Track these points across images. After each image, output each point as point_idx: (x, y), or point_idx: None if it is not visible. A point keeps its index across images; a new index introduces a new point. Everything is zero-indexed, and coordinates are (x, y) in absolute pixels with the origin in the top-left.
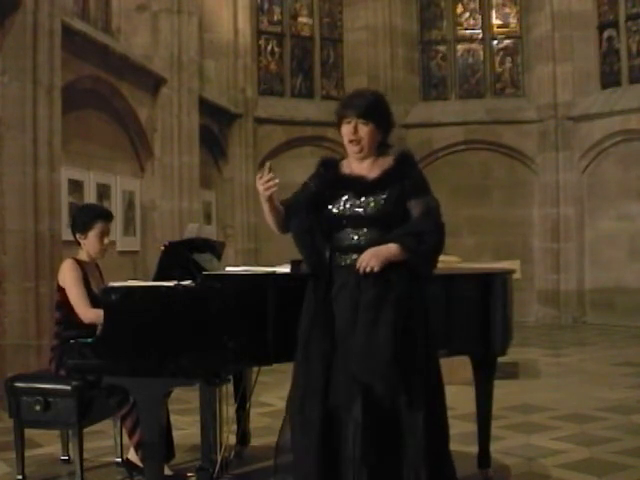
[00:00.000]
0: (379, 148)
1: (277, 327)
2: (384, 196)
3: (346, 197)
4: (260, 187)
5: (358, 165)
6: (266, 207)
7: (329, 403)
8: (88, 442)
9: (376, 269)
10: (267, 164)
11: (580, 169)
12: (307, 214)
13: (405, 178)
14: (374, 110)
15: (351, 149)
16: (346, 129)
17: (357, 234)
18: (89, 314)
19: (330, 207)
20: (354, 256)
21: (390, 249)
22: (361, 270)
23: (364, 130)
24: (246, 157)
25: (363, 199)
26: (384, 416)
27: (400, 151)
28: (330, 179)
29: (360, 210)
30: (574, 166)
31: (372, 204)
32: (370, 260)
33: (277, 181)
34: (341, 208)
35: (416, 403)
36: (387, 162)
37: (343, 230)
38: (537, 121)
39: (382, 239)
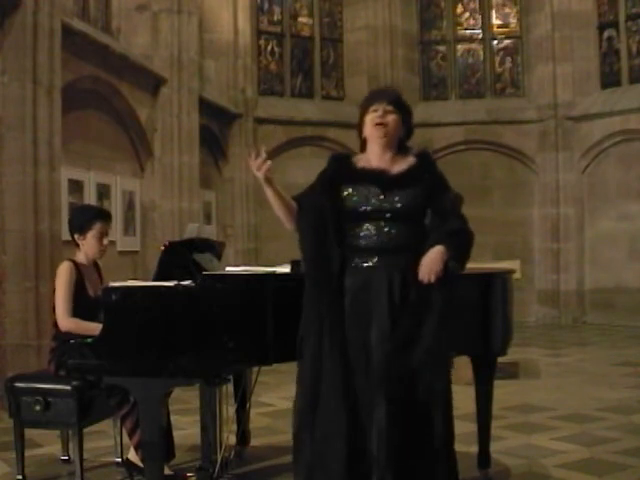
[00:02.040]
0: (399, 146)
1: (277, 327)
2: (412, 191)
3: (369, 191)
4: (253, 169)
5: (379, 159)
6: (269, 193)
7: (351, 404)
8: (88, 442)
9: (440, 275)
10: (263, 148)
11: (580, 169)
12: (321, 208)
13: (429, 175)
14: (402, 104)
15: (376, 133)
16: (372, 115)
17: (379, 231)
18: (65, 322)
19: (350, 201)
20: (375, 259)
21: (441, 252)
22: (426, 281)
23: (391, 117)
24: (246, 157)
25: (389, 193)
26: (408, 420)
27: (420, 149)
28: (347, 172)
29: (387, 205)
30: (574, 166)
31: (399, 199)
32: (432, 269)
33: (269, 162)
34: (364, 202)
35: (438, 404)
36: (409, 159)
37: (363, 225)
38: (537, 121)
39: (412, 241)
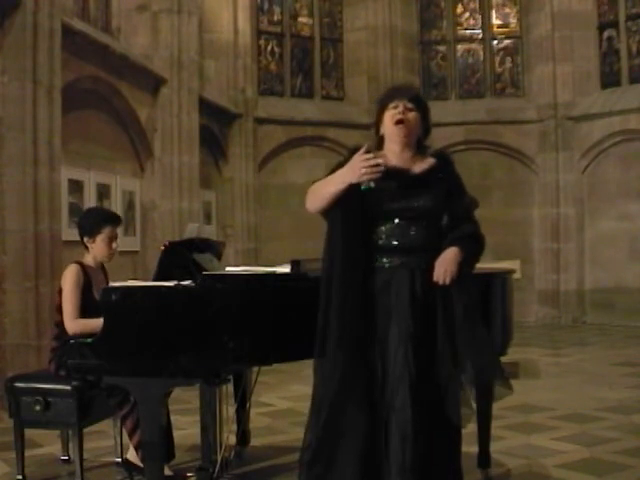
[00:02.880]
0: (417, 146)
1: (277, 327)
2: (432, 192)
3: (392, 190)
4: (362, 169)
5: (397, 158)
6: (335, 190)
7: (370, 406)
8: (88, 442)
9: (455, 276)
10: (366, 145)
11: (580, 169)
12: (347, 205)
13: (448, 177)
14: (421, 101)
15: (397, 132)
16: (393, 112)
17: (399, 230)
18: (73, 325)
19: (370, 199)
20: (396, 258)
21: (456, 253)
22: (441, 282)
23: (412, 114)
24: (246, 157)
25: (409, 193)
26: (433, 426)
27: (438, 151)
28: None
29: (407, 205)
30: (574, 166)
31: (420, 199)
32: (446, 270)
33: (382, 168)
34: (384, 201)
35: (455, 410)
36: (428, 160)
37: (382, 224)
38: (537, 121)
39: (431, 241)
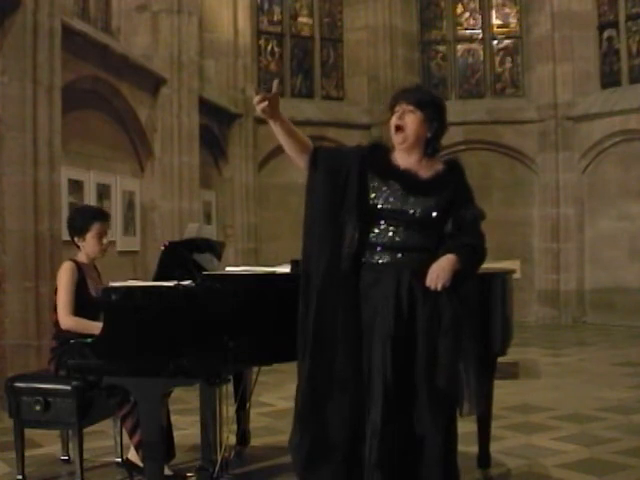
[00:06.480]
0: (427, 147)
1: (277, 327)
2: (435, 200)
3: (394, 190)
4: (258, 107)
5: (405, 159)
6: (275, 130)
7: (357, 399)
8: (88, 442)
9: (447, 284)
10: (276, 81)
11: (580, 169)
12: (345, 172)
13: (454, 185)
14: (425, 101)
15: (395, 139)
16: (394, 117)
17: (397, 233)
18: (67, 320)
19: (373, 197)
20: (387, 256)
21: (451, 261)
22: (433, 287)
23: (410, 118)
24: (246, 157)
25: (413, 198)
26: (404, 423)
27: (450, 158)
28: (378, 164)
29: (409, 209)
30: (574, 166)
31: (422, 206)
32: (439, 276)
33: (265, 103)
34: (386, 202)
35: (438, 414)
36: (437, 165)
37: (379, 223)
38: (537, 121)
39: (424, 244)
